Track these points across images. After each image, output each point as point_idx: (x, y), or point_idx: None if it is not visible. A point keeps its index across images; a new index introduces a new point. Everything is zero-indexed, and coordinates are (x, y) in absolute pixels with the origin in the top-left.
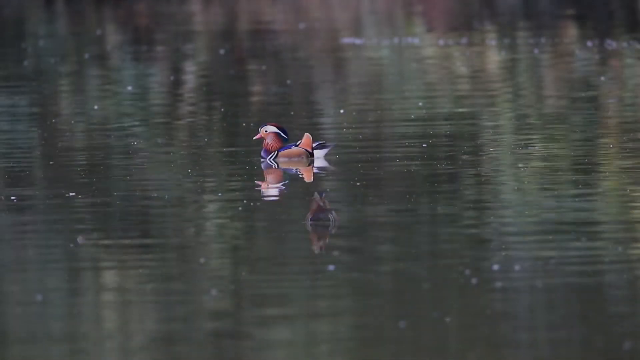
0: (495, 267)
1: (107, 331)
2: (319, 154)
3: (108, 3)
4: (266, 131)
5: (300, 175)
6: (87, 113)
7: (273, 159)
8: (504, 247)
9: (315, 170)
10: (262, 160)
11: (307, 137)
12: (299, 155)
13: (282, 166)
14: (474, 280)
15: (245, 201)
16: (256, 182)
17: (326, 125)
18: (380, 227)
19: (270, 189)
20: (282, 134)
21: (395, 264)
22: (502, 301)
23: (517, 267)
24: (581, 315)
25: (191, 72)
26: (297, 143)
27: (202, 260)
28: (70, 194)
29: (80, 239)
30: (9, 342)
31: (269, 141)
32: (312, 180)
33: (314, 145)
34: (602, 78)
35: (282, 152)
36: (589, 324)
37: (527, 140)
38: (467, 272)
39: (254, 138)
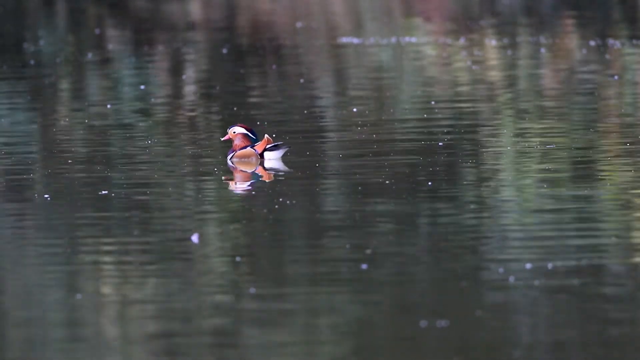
0: (495, 266)
1: (106, 333)
2: (271, 155)
3: (107, 1)
4: (234, 132)
5: (259, 176)
6: (88, 112)
7: (230, 159)
8: (504, 247)
9: (268, 171)
10: None
11: (264, 139)
12: (248, 156)
13: (237, 166)
14: (474, 280)
15: (243, 200)
16: (228, 180)
17: (333, 125)
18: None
19: (238, 187)
20: (250, 135)
21: (397, 264)
22: (503, 300)
23: (517, 266)
24: (582, 317)
25: (192, 71)
26: (255, 145)
27: (203, 260)
28: (70, 193)
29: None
30: (7, 344)
31: (237, 142)
32: (270, 179)
33: (268, 146)
34: (604, 77)
35: (236, 153)
36: (590, 325)
37: (542, 140)
38: (464, 271)
39: (222, 139)
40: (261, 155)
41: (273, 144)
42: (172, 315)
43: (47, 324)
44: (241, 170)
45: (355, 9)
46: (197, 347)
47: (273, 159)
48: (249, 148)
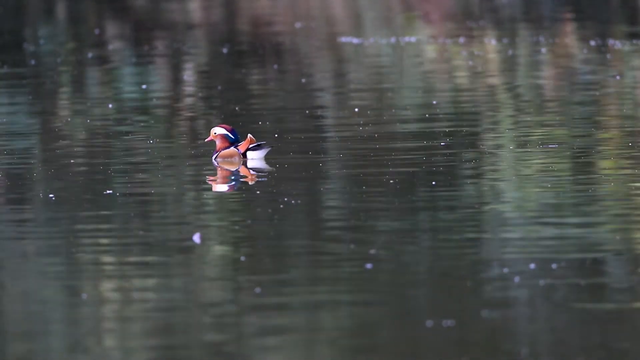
0: (499, 265)
1: (106, 333)
2: (254, 155)
3: (107, 1)
4: (215, 133)
5: (241, 175)
6: (89, 112)
7: (214, 159)
8: (504, 246)
9: (250, 170)
10: None
11: (247, 139)
12: (231, 156)
13: (221, 165)
14: (478, 279)
15: (243, 201)
16: (209, 179)
17: (334, 125)
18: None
19: (220, 187)
20: (230, 135)
21: (397, 261)
22: (507, 300)
23: (516, 265)
24: (583, 319)
25: (192, 71)
26: (238, 145)
27: (205, 261)
28: (70, 193)
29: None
30: (8, 344)
31: (218, 143)
32: (251, 179)
33: (251, 146)
34: (604, 77)
35: (220, 153)
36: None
37: (545, 140)
38: (465, 270)
39: (205, 140)
40: (244, 154)
41: (256, 144)
42: (174, 315)
43: (48, 323)
44: (226, 170)
45: (355, 9)
46: (199, 347)
47: (255, 159)
48: (232, 148)
